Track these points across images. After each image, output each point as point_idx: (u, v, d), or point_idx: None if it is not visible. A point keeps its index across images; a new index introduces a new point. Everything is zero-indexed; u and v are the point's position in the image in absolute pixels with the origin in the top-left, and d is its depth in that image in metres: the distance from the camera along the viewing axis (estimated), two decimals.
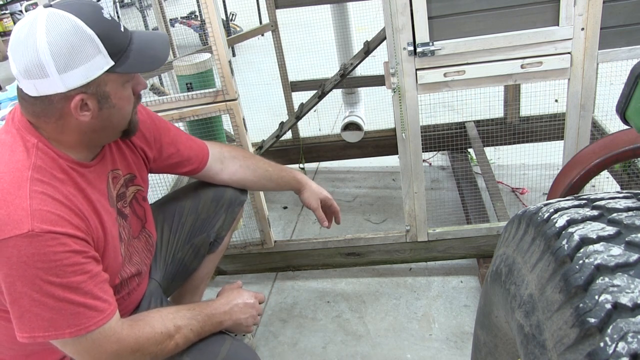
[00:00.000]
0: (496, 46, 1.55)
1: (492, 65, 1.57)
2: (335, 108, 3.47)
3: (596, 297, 0.57)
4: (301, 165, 2.83)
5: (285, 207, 2.61)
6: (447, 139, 2.43)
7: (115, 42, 1.01)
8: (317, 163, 2.97)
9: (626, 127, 0.88)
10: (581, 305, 0.58)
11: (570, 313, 0.59)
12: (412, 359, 1.69)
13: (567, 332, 0.59)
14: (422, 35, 1.54)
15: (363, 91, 2.83)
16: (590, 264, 0.60)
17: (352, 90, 2.75)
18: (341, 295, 2.00)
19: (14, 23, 7.35)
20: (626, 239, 0.61)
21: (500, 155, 2.67)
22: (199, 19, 5.32)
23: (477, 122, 2.70)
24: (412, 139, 1.72)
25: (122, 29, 1.04)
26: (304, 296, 2.02)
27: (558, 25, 1.51)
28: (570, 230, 0.66)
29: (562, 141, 1.71)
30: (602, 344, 0.53)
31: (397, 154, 1.78)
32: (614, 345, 0.52)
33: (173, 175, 2.32)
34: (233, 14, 5.74)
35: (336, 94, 2.92)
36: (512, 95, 2.56)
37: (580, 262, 0.61)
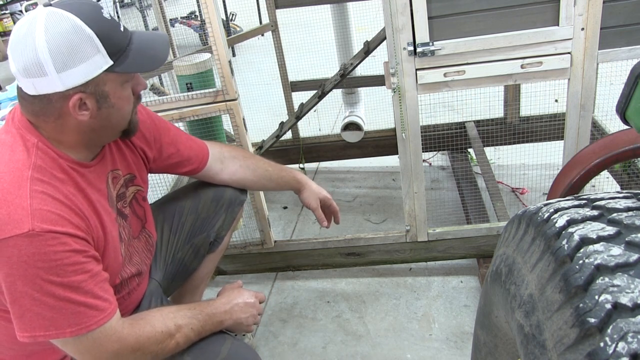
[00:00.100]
0: (496, 46, 1.55)
1: (492, 65, 1.57)
2: (335, 108, 3.47)
3: (596, 297, 0.57)
4: (301, 165, 2.83)
5: (285, 207, 2.61)
6: (447, 139, 2.43)
7: (115, 41, 1.01)
8: (317, 163, 2.97)
9: (626, 127, 0.88)
10: (581, 305, 0.58)
11: (570, 313, 0.59)
12: (412, 359, 1.69)
13: (567, 332, 0.59)
14: (422, 35, 1.55)
15: (363, 91, 2.84)
16: (590, 264, 0.60)
17: (352, 90, 2.75)
18: (341, 295, 2.00)
19: (14, 23, 7.35)
20: (626, 239, 0.61)
21: (500, 155, 2.67)
22: (199, 19, 5.32)
23: (477, 122, 2.70)
24: (412, 139, 1.72)
25: (122, 29, 1.04)
26: (304, 296, 2.02)
27: (558, 25, 1.51)
28: (570, 230, 0.66)
29: (562, 141, 1.71)
30: (602, 344, 0.53)
31: (397, 154, 1.78)
32: (614, 345, 0.52)
33: (173, 175, 2.32)
34: (233, 14, 5.74)
35: (336, 94, 2.92)
36: (512, 95, 2.56)
37: (580, 262, 0.61)
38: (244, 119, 1.77)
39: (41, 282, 0.93)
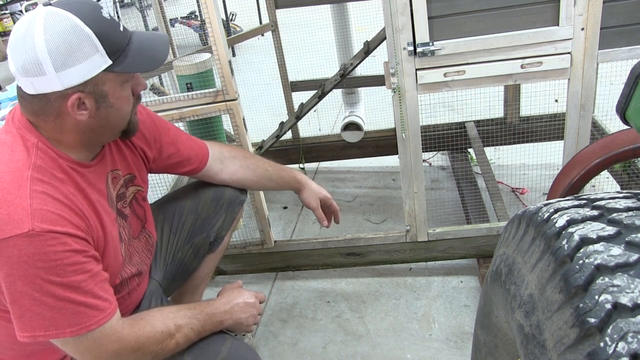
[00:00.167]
0: (496, 46, 1.55)
1: (492, 65, 1.57)
2: (335, 108, 3.47)
3: (596, 297, 0.57)
4: (301, 165, 2.83)
5: (285, 207, 2.61)
6: (447, 139, 2.43)
7: (114, 41, 1.01)
8: (317, 163, 2.97)
9: (626, 127, 0.88)
10: (581, 305, 0.58)
11: (570, 313, 0.59)
12: (412, 359, 1.69)
13: (567, 332, 0.59)
14: (422, 35, 1.54)
15: (363, 91, 2.83)
16: (590, 264, 0.60)
17: (352, 90, 2.75)
18: (341, 295, 2.00)
19: (14, 23, 7.34)
20: (626, 239, 0.61)
21: (500, 155, 2.67)
22: (199, 19, 5.32)
23: (477, 122, 2.70)
24: (412, 139, 1.72)
25: (122, 29, 1.04)
26: (304, 296, 2.02)
27: (558, 25, 1.51)
28: (570, 230, 0.66)
29: (562, 141, 1.71)
30: (602, 344, 0.53)
31: (397, 154, 1.78)
32: (614, 345, 0.52)
33: (173, 175, 2.32)
34: (233, 14, 5.74)
35: (336, 94, 2.92)
36: (512, 95, 2.56)
37: (580, 262, 0.61)
38: (244, 119, 1.77)
39: (41, 282, 0.93)
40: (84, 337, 0.98)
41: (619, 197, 0.71)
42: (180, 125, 1.82)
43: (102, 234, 1.08)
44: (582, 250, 0.62)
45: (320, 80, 2.51)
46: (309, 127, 3.08)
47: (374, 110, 3.04)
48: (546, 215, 0.72)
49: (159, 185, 2.02)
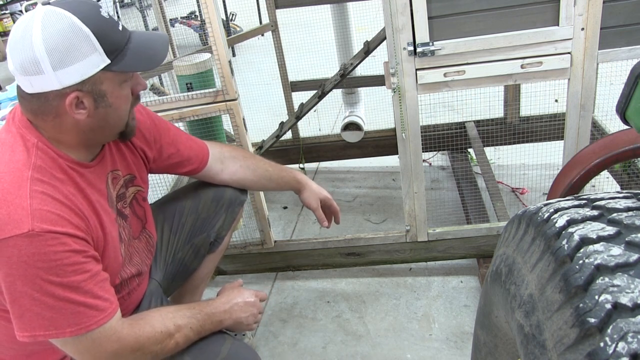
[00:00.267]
0: (496, 46, 1.55)
1: (492, 65, 1.57)
2: (335, 108, 3.47)
3: (596, 297, 0.57)
4: (301, 165, 2.83)
5: (285, 207, 2.61)
6: (447, 139, 2.42)
7: (112, 40, 1.01)
8: (317, 163, 2.97)
9: (626, 127, 0.88)
10: (581, 305, 0.58)
11: (570, 313, 0.59)
12: (412, 359, 1.69)
13: (567, 332, 0.59)
14: (422, 35, 1.54)
15: (363, 91, 2.83)
16: (590, 264, 0.60)
17: (352, 90, 2.75)
18: (341, 295, 2.00)
19: (14, 23, 7.34)
20: (626, 239, 0.61)
21: (500, 155, 2.67)
22: (199, 19, 5.32)
23: (477, 122, 2.70)
24: (412, 139, 1.72)
25: (120, 28, 1.04)
26: (304, 296, 2.02)
27: (558, 25, 1.51)
28: (570, 230, 0.66)
29: (562, 141, 1.71)
30: (602, 344, 0.53)
31: (397, 154, 1.78)
32: (614, 345, 0.52)
33: (173, 175, 2.32)
34: (233, 14, 5.74)
35: (336, 94, 2.92)
36: (512, 95, 2.56)
37: (580, 262, 0.61)
38: (244, 119, 1.77)
39: (41, 282, 0.93)
40: (84, 337, 0.98)
41: (619, 197, 0.71)
42: (180, 125, 1.82)
43: (101, 234, 1.08)
44: (582, 250, 0.62)
45: (320, 80, 2.51)
46: (309, 127, 3.08)
47: (374, 110, 3.04)
48: (546, 215, 0.72)
49: (159, 186, 2.02)
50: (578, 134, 1.67)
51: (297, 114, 2.37)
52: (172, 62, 2.16)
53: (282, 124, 2.45)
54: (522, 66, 1.56)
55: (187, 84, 1.86)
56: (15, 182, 0.96)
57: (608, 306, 0.55)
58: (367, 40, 2.20)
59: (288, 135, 2.61)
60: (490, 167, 2.36)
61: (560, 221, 0.69)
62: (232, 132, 1.80)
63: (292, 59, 2.79)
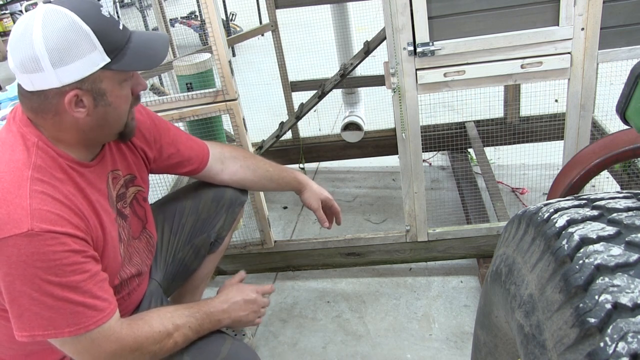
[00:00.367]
0: (496, 46, 1.55)
1: (492, 65, 1.57)
2: (335, 108, 3.47)
3: (596, 297, 0.57)
4: (301, 165, 2.83)
5: (285, 207, 2.61)
6: (447, 139, 2.42)
7: (112, 39, 1.01)
8: (317, 163, 2.97)
9: (626, 127, 0.88)
10: (581, 305, 0.58)
11: (570, 313, 0.59)
12: (412, 359, 1.69)
13: (567, 332, 0.59)
14: (422, 35, 1.54)
15: (363, 91, 2.83)
16: (590, 264, 0.60)
17: (352, 90, 2.75)
18: (341, 295, 2.00)
19: (14, 23, 7.34)
20: (626, 239, 0.61)
21: (500, 155, 2.67)
22: (199, 19, 5.32)
23: (477, 122, 2.70)
24: (412, 139, 1.72)
25: (121, 27, 1.04)
26: (304, 296, 2.02)
27: (558, 25, 1.51)
28: (570, 230, 0.66)
29: (562, 141, 1.71)
30: (602, 344, 0.53)
31: (397, 154, 1.78)
32: (614, 345, 0.52)
33: (173, 176, 2.32)
34: (233, 14, 5.74)
35: (336, 94, 2.92)
36: (512, 95, 2.56)
37: (580, 262, 0.61)
38: (244, 119, 1.77)
39: (40, 282, 0.93)
40: (83, 337, 0.98)
41: (619, 197, 0.71)
42: (180, 125, 1.82)
43: (101, 234, 1.08)
44: (582, 250, 0.62)
45: (320, 80, 2.51)
46: (309, 127, 3.08)
47: (374, 110, 3.04)
48: (546, 215, 0.72)
49: (159, 186, 2.02)
50: (578, 134, 1.67)
51: (297, 114, 2.37)
52: (172, 62, 2.16)
53: (282, 124, 2.45)
54: (522, 66, 1.56)
55: (187, 84, 1.86)
56: (15, 181, 0.96)
57: (608, 306, 0.55)
58: (367, 40, 2.20)
59: (288, 135, 2.61)
60: (490, 167, 2.36)
61: (560, 221, 0.69)
62: (232, 132, 1.80)
63: (292, 59, 2.79)
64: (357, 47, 2.49)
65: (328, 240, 2.03)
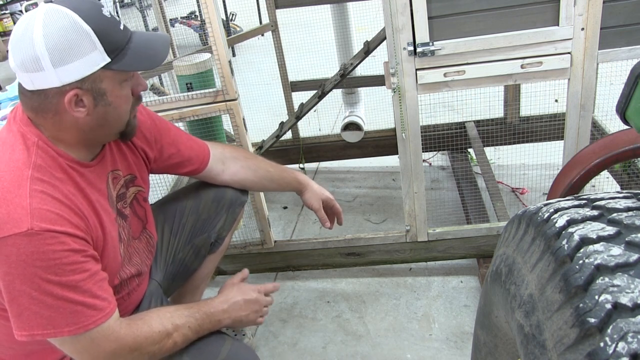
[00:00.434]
0: (496, 46, 1.55)
1: (492, 65, 1.57)
2: (335, 108, 3.47)
3: (596, 297, 0.57)
4: (301, 165, 2.83)
5: (285, 207, 2.61)
6: (447, 139, 2.42)
7: (113, 39, 1.01)
8: (317, 163, 2.97)
9: (626, 127, 0.88)
10: (581, 305, 0.58)
11: (570, 313, 0.59)
12: (412, 359, 1.69)
13: (567, 332, 0.59)
14: (422, 35, 1.54)
15: (363, 91, 2.83)
16: (590, 264, 0.60)
17: (352, 90, 2.75)
18: (341, 295, 2.00)
19: (14, 23, 7.35)
20: (626, 239, 0.61)
21: (500, 155, 2.67)
22: (199, 19, 5.32)
23: (477, 122, 2.70)
24: (412, 139, 1.72)
25: (122, 27, 1.04)
26: (304, 296, 2.02)
27: (558, 25, 1.51)
28: (570, 230, 0.66)
29: (562, 141, 1.71)
30: (602, 344, 0.53)
31: (397, 154, 1.78)
32: (614, 345, 0.52)
33: (173, 176, 2.32)
34: (233, 14, 5.74)
35: (336, 94, 2.92)
36: (512, 95, 2.56)
37: (580, 262, 0.61)
38: (244, 119, 1.77)
39: (39, 281, 0.93)
40: (82, 336, 0.98)
41: (619, 197, 0.71)
42: (180, 125, 1.82)
43: (101, 233, 1.08)
44: (582, 250, 0.62)
45: (320, 80, 2.51)
46: (309, 127, 3.08)
47: (374, 110, 3.04)
48: (546, 215, 0.72)
49: (159, 186, 2.02)
50: (578, 134, 1.67)
51: (297, 114, 2.37)
52: (172, 62, 2.16)
53: (282, 124, 2.45)
54: (522, 66, 1.56)
55: (187, 84, 1.86)
56: (15, 181, 0.96)
57: (608, 306, 0.55)
58: (367, 40, 2.20)
59: (288, 135, 2.61)
60: (490, 167, 2.36)
61: (560, 221, 0.69)
62: (232, 132, 1.80)
63: (292, 59, 2.79)
64: (357, 47, 2.49)
65: (328, 240, 2.03)
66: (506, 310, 0.79)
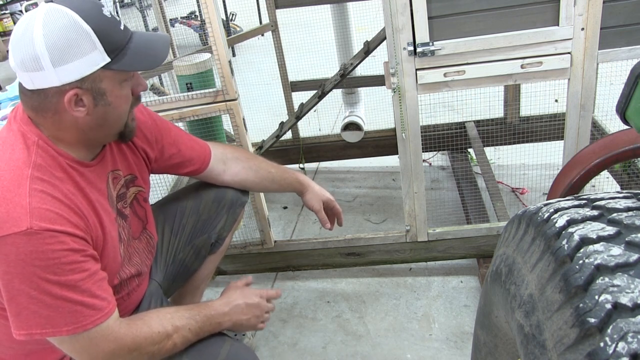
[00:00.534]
0: (496, 46, 1.55)
1: (492, 65, 1.57)
2: (335, 108, 3.47)
3: (596, 297, 0.57)
4: (301, 165, 2.83)
5: (285, 207, 2.61)
6: (447, 139, 2.42)
7: (113, 39, 1.01)
8: (317, 163, 2.97)
9: (626, 127, 0.88)
10: (581, 305, 0.58)
11: (570, 313, 0.59)
12: (412, 359, 1.69)
13: (567, 332, 0.59)
14: (422, 35, 1.54)
15: (363, 91, 2.83)
16: (590, 264, 0.60)
17: (352, 90, 2.75)
18: (341, 295, 2.00)
19: (14, 23, 7.35)
20: (626, 239, 0.61)
21: (500, 155, 2.67)
22: (199, 19, 5.32)
23: (477, 122, 2.70)
24: (412, 139, 1.72)
25: (122, 27, 1.04)
26: (304, 296, 2.02)
27: (558, 25, 1.51)
28: (570, 230, 0.66)
29: (562, 141, 1.71)
30: (602, 344, 0.53)
31: (397, 154, 1.78)
32: (614, 345, 0.52)
33: (173, 176, 2.32)
34: (233, 14, 5.74)
35: (336, 94, 2.92)
36: (512, 95, 2.56)
37: (580, 262, 0.61)
38: (244, 119, 1.77)
39: (38, 281, 0.93)
40: (81, 336, 0.98)
41: (619, 197, 0.71)
42: (181, 125, 1.82)
43: (101, 233, 1.07)
44: (582, 250, 0.62)
45: (320, 80, 2.51)
46: (309, 127, 3.08)
47: (374, 110, 3.04)
48: (546, 215, 0.72)
49: (159, 186, 2.02)
50: (578, 134, 1.67)
51: (297, 114, 2.37)
52: (172, 62, 2.16)
53: (282, 124, 2.45)
54: (522, 66, 1.56)
55: (187, 84, 1.86)
56: (15, 180, 0.96)
57: (608, 306, 0.55)
58: (367, 40, 2.20)
59: (288, 135, 2.61)
60: (490, 167, 2.36)
61: (560, 221, 0.69)
62: (232, 132, 1.80)
63: (292, 59, 2.79)
64: (357, 47, 2.49)
65: (328, 240, 2.03)
66: (506, 310, 0.79)
